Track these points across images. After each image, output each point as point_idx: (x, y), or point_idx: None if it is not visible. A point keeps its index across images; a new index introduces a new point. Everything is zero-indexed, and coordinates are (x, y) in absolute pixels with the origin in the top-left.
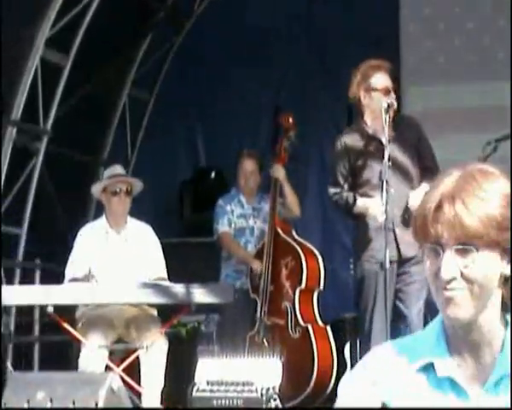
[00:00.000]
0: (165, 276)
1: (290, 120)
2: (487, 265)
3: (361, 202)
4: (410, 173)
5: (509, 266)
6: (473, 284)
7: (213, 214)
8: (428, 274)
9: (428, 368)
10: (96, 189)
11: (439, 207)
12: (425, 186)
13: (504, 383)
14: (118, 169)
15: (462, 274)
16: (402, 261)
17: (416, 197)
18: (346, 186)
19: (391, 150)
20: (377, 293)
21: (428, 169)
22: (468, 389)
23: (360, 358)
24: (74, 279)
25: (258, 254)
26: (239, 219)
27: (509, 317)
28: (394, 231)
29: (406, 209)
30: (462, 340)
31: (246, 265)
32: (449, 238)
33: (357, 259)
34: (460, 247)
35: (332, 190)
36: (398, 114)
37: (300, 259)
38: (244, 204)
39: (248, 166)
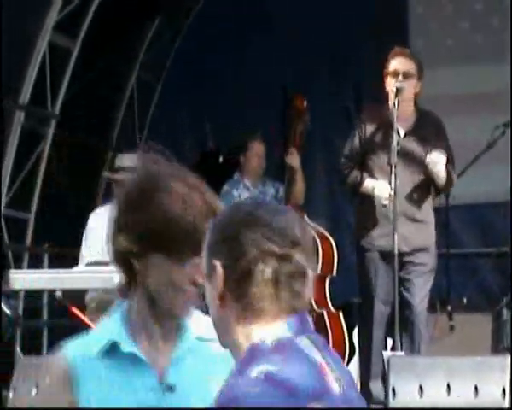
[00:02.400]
0: None
1: (304, 103)
2: None
3: (369, 183)
4: (422, 168)
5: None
6: None
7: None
8: (175, 278)
9: (113, 350)
10: (105, 176)
11: (204, 221)
12: (441, 155)
13: (188, 356)
14: (126, 161)
15: None
16: (401, 253)
17: (436, 158)
18: (356, 164)
19: (406, 142)
20: (377, 279)
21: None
22: (154, 363)
23: (360, 343)
24: (96, 263)
25: None
26: None
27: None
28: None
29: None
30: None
31: None
32: None
33: (358, 244)
34: None
35: (343, 161)
36: (421, 109)
37: (316, 245)
38: (250, 188)
39: (260, 149)
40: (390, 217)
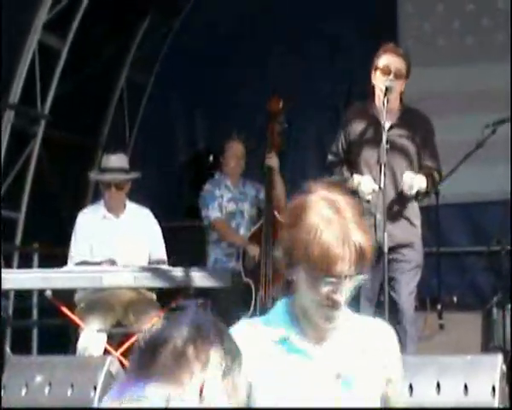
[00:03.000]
0: (165, 258)
1: (280, 104)
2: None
3: (354, 179)
4: (409, 161)
5: None
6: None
7: (201, 199)
8: (314, 291)
9: (283, 341)
10: (92, 176)
11: (340, 244)
12: (421, 177)
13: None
14: (112, 161)
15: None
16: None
17: (410, 179)
18: (342, 161)
19: (392, 135)
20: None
21: (427, 168)
22: (313, 352)
23: None
24: (84, 262)
25: (254, 238)
26: (229, 202)
27: None
28: (375, 218)
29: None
30: (310, 324)
31: (236, 248)
32: (350, 270)
33: None
34: (354, 275)
35: (330, 158)
36: (406, 104)
37: None
38: (231, 188)
39: (239, 149)
40: (371, 212)
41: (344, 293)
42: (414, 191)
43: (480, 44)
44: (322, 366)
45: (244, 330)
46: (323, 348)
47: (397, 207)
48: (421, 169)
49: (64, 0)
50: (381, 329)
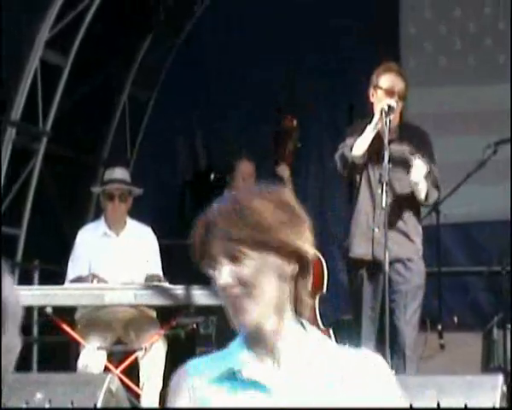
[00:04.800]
0: (160, 274)
1: (294, 122)
2: (258, 266)
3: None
4: (408, 176)
5: (295, 266)
6: (249, 287)
7: None
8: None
9: (231, 377)
10: (95, 190)
11: (207, 230)
12: (419, 162)
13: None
14: (116, 173)
15: (238, 280)
16: (378, 263)
17: (418, 169)
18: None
19: (391, 151)
20: (363, 294)
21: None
22: (274, 389)
23: None
24: (78, 279)
25: None
26: None
27: (303, 320)
28: (373, 231)
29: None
30: (259, 343)
31: None
32: (219, 252)
33: (347, 256)
34: (227, 256)
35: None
36: (404, 121)
37: None
38: None
39: (248, 168)
40: (368, 225)
41: (229, 275)
42: (424, 172)
43: (481, 65)
44: (280, 399)
45: (176, 378)
46: (282, 374)
47: (397, 221)
48: None
49: (66, 18)
50: (365, 361)
